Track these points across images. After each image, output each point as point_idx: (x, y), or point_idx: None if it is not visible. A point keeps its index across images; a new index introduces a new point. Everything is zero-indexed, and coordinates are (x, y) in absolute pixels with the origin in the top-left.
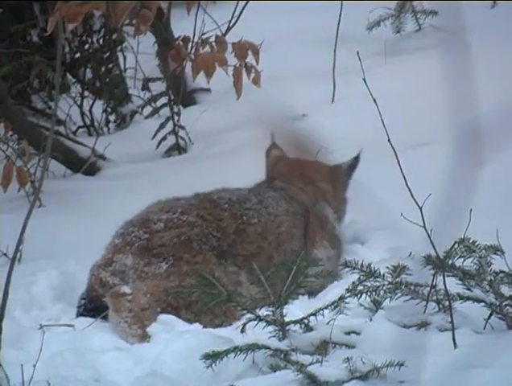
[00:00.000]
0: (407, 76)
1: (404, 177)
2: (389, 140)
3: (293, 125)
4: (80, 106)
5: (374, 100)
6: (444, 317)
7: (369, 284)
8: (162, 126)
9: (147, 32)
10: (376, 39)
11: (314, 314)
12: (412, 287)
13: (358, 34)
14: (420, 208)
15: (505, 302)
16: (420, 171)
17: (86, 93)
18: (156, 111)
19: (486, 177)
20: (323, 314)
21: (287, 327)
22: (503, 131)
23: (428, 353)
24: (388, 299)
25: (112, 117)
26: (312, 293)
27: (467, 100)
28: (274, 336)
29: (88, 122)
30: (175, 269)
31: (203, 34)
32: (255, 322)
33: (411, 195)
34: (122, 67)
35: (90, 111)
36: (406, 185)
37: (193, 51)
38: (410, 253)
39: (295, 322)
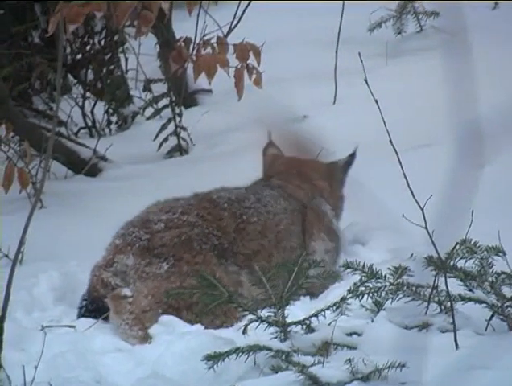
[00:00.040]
0: (409, 78)
1: (406, 178)
2: (390, 141)
3: (294, 126)
4: (82, 107)
5: (376, 102)
6: (446, 318)
7: (370, 285)
8: (163, 127)
9: (149, 33)
10: (377, 40)
11: (315, 315)
12: (414, 288)
13: (360, 35)
14: (422, 209)
15: (507, 303)
16: (422, 172)
17: (88, 94)
18: (158, 112)
19: (487, 178)
20: (324, 315)
21: (289, 328)
22: (504, 132)
23: (430, 354)
24: (389, 300)
25: (113, 119)
26: (313, 294)
27: (468, 101)
28: (275, 337)
29: (89, 123)
30: (175, 270)
31: (204, 35)
32: (257, 324)
33: (413, 196)
34: (124, 68)
35: (92, 112)
36: (408, 186)
37: (195, 52)
38: (412, 254)
39: (296, 323)
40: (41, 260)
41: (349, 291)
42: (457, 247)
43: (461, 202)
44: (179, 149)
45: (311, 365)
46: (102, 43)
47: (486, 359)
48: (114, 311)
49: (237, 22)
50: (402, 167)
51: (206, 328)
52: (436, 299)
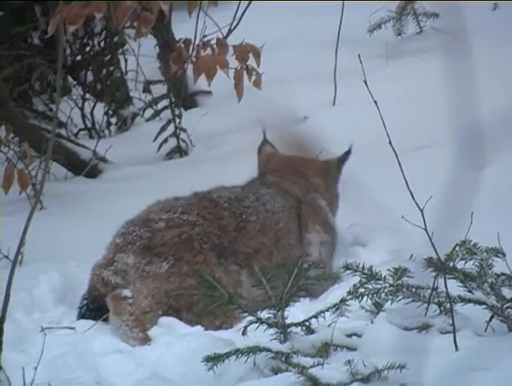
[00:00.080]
0: (408, 79)
1: (405, 179)
2: (390, 142)
3: (294, 127)
4: (82, 109)
5: (375, 103)
6: (445, 319)
7: (370, 286)
8: (163, 129)
9: (148, 35)
10: (377, 41)
11: (315, 317)
12: (413, 289)
13: (359, 36)
14: (421, 211)
15: (507, 305)
16: (421, 174)
17: (87, 96)
18: (157, 113)
19: (487, 179)
20: (324, 317)
21: (289, 330)
22: (505, 133)
23: (429, 355)
24: (389, 301)
25: (113, 120)
26: (313, 295)
27: (468, 102)
28: (275, 339)
29: (89, 125)
30: (175, 270)
31: (204, 36)
32: (256, 325)
33: (412, 197)
34: (123, 69)
35: (91, 113)
36: (408, 187)
37: (194, 53)
38: (412, 256)
39: (296, 325)
40: (41, 261)
41: (349, 292)
42: (457, 248)
43: (461, 203)
44: (179, 151)
45: (311, 366)
46: (102, 44)
47: (486, 360)
48: (114, 312)
49: (237, 24)
50: (401, 168)
51: (206, 328)
52: (436, 300)
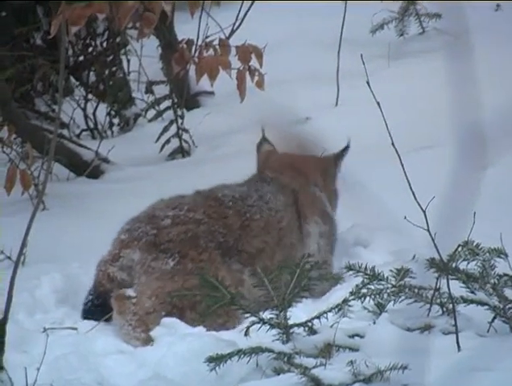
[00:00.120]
0: (411, 79)
1: (408, 180)
2: (392, 143)
3: (296, 128)
4: (84, 109)
5: (378, 104)
6: (448, 320)
7: (372, 287)
8: (165, 129)
9: (151, 35)
10: (379, 42)
11: (318, 317)
12: (416, 290)
13: (362, 37)
14: (424, 211)
15: (509, 305)
16: (424, 174)
17: (90, 96)
18: (160, 114)
19: (490, 180)
20: (326, 317)
21: (291, 330)
22: (507, 134)
23: (432, 356)
24: (392, 302)
25: (115, 120)
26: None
27: (470, 103)
28: (277, 339)
29: (91, 125)
30: (180, 267)
31: (206, 37)
32: (259, 325)
33: (415, 198)
34: (126, 70)
35: (94, 114)
36: (410, 188)
37: (197, 54)
38: (414, 256)
39: (298, 325)
40: (43, 261)
41: (351, 293)
42: (459, 249)
43: (463, 204)
44: (181, 151)
45: (314, 367)
46: (104, 44)
47: (488, 361)
48: (118, 311)
49: (239, 24)
50: (404, 169)
51: (208, 329)
52: (438, 301)
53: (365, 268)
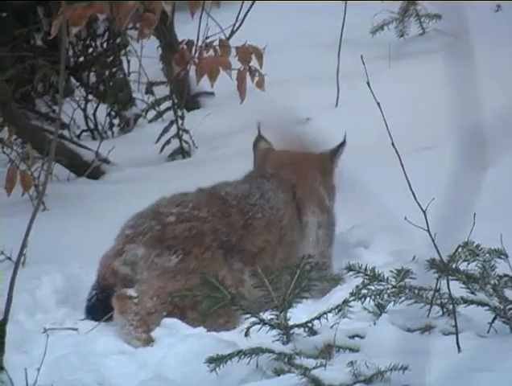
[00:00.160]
0: (411, 80)
1: (408, 181)
2: (393, 144)
3: (297, 128)
4: (84, 110)
5: (378, 104)
6: (448, 320)
7: (372, 287)
8: (165, 130)
9: (151, 36)
10: (380, 42)
11: (318, 318)
12: (416, 291)
13: (362, 37)
14: (424, 212)
15: (509, 306)
16: (424, 175)
17: (90, 97)
18: (160, 115)
19: (490, 181)
20: (327, 318)
21: (291, 331)
22: (507, 135)
23: (432, 357)
24: (392, 303)
25: (116, 121)
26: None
27: (471, 103)
28: (278, 340)
29: (92, 126)
30: (183, 266)
31: (207, 37)
32: (259, 326)
33: (415, 198)
34: (126, 70)
35: (94, 115)
36: (410, 189)
37: (197, 54)
38: (414, 257)
39: (299, 326)
40: (43, 262)
41: (352, 294)
42: (459, 249)
43: (464, 204)
44: (182, 152)
45: (314, 368)
46: (105, 45)
47: (488, 362)
48: (119, 311)
49: (240, 25)
50: (404, 170)
51: (209, 330)
52: (439, 302)
53: (366, 268)
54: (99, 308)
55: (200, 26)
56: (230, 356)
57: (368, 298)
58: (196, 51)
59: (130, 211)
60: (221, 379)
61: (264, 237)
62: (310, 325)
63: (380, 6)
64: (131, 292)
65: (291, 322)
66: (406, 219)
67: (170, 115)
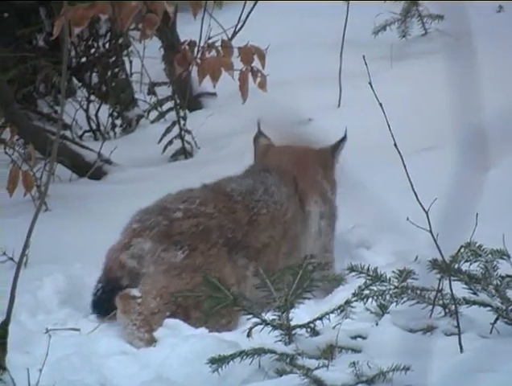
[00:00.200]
0: (413, 81)
1: (410, 181)
2: (395, 144)
3: (299, 129)
4: (86, 110)
5: (380, 105)
6: (450, 321)
7: (375, 288)
8: (168, 130)
9: (153, 36)
10: (382, 43)
11: (320, 319)
12: (418, 291)
13: (364, 38)
14: (426, 212)
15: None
16: (426, 176)
17: (92, 98)
18: (162, 115)
19: (492, 181)
20: (329, 319)
21: (293, 331)
22: (508, 135)
23: (434, 357)
24: (394, 303)
25: (118, 122)
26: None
27: (472, 104)
28: (280, 340)
29: (94, 126)
30: (189, 262)
31: (209, 38)
32: (261, 327)
33: (417, 199)
34: (128, 71)
35: (96, 115)
36: (413, 189)
37: (199, 55)
38: (416, 257)
39: (301, 327)
40: (45, 262)
41: (354, 294)
42: (462, 250)
43: (466, 205)
44: (184, 153)
45: (316, 368)
46: (107, 46)
47: (491, 363)
48: (122, 311)
49: (242, 25)
50: (406, 170)
51: (211, 330)
52: (441, 302)
53: (368, 269)
54: (105, 301)
55: (202, 26)
56: (232, 357)
57: (370, 299)
58: (198, 52)
59: (132, 212)
60: (223, 380)
61: (269, 233)
62: (312, 325)
63: (382, 6)
64: (135, 292)
65: (293, 323)
66: (408, 219)
67: (172, 115)
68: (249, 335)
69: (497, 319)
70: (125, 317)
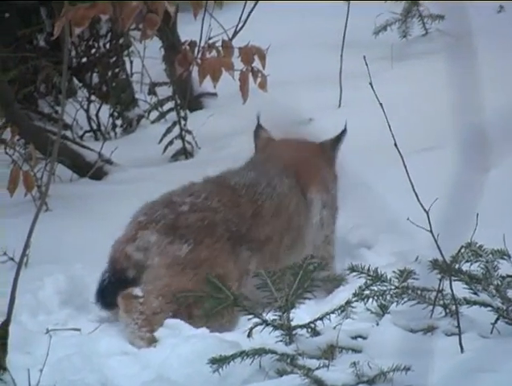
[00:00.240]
0: (414, 81)
1: (411, 181)
2: (395, 144)
3: (300, 129)
4: (87, 111)
5: (381, 105)
6: (451, 321)
7: (375, 288)
8: (168, 131)
9: (154, 37)
10: (382, 43)
11: (321, 319)
12: (419, 291)
13: (365, 38)
14: (427, 213)
15: None
16: (427, 176)
17: (93, 98)
18: (163, 115)
19: (493, 181)
20: (329, 319)
21: (294, 332)
22: (509, 136)
23: (435, 357)
24: (395, 303)
25: (118, 122)
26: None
27: (473, 104)
28: (280, 341)
29: (94, 127)
30: (193, 256)
31: (209, 38)
32: (262, 327)
33: (418, 199)
34: (129, 71)
35: (97, 115)
36: (413, 189)
37: (200, 55)
38: (417, 258)
39: (301, 327)
40: (46, 263)
41: (354, 294)
42: (462, 250)
43: (466, 205)
44: (185, 153)
45: (317, 368)
46: (107, 46)
47: (491, 363)
48: (124, 310)
49: (242, 26)
50: (407, 170)
51: (212, 331)
52: (441, 302)
53: (368, 269)
54: (111, 290)
55: (202, 26)
56: (233, 357)
57: (371, 299)
58: (198, 52)
59: (132, 212)
60: (224, 380)
61: (272, 225)
62: (313, 325)
63: (383, 6)
64: (137, 291)
65: (293, 323)
66: (408, 219)
67: (173, 116)
68: (249, 335)
69: (497, 319)
70: (126, 316)
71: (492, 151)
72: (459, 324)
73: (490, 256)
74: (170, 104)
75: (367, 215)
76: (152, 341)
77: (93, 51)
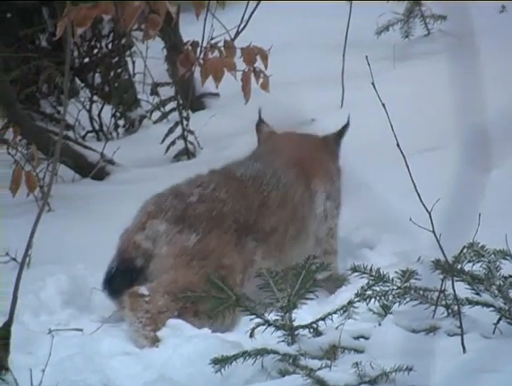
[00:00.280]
0: (416, 81)
1: (413, 181)
2: (398, 144)
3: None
4: (89, 111)
5: (383, 105)
6: (453, 321)
7: (377, 288)
8: (171, 131)
9: (156, 37)
10: (385, 43)
11: (323, 319)
12: (421, 292)
13: (367, 38)
14: (429, 213)
15: None
16: (429, 176)
17: (95, 98)
18: (165, 116)
19: (494, 181)
20: (332, 319)
21: (296, 332)
22: (511, 136)
23: (437, 357)
24: (397, 304)
25: (121, 122)
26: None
27: (475, 104)
28: (283, 341)
29: (96, 127)
30: (200, 247)
31: (211, 38)
32: (264, 327)
33: (420, 199)
34: (131, 71)
35: (99, 116)
36: (415, 189)
37: (202, 55)
38: (419, 258)
39: (303, 327)
40: (48, 263)
41: (357, 295)
42: (464, 250)
43: (468, 205)
44: (187, 153)
45: (319, 368)
46: (110, 46)
47: (494, 363)
48: (130, 308)
49: (245, 26)
50: (409, 171)
51: (214, 331)
52: (444, 303)
53: (371, 269)
54: (118, 281)
55: (204, 27)
56: (235, 357)
57: (373, 299)
58: (200, 52)
59: (134, 212)
60: (226, 380)
61: (278, 216)
62: (315, 326)
63: (385, 6)
64: (143, 290)
65: (295, 323)
66: (411, 220)
67: (175, 116)
68: (251, 336)
69: (499, 319)
70: (132, 314)
71: (494, 151)
72: (461, 324)
73: (492, 256)
74: (172, 105)
75: (369, 215)
76: (155, 340)
77: (95, 51)
